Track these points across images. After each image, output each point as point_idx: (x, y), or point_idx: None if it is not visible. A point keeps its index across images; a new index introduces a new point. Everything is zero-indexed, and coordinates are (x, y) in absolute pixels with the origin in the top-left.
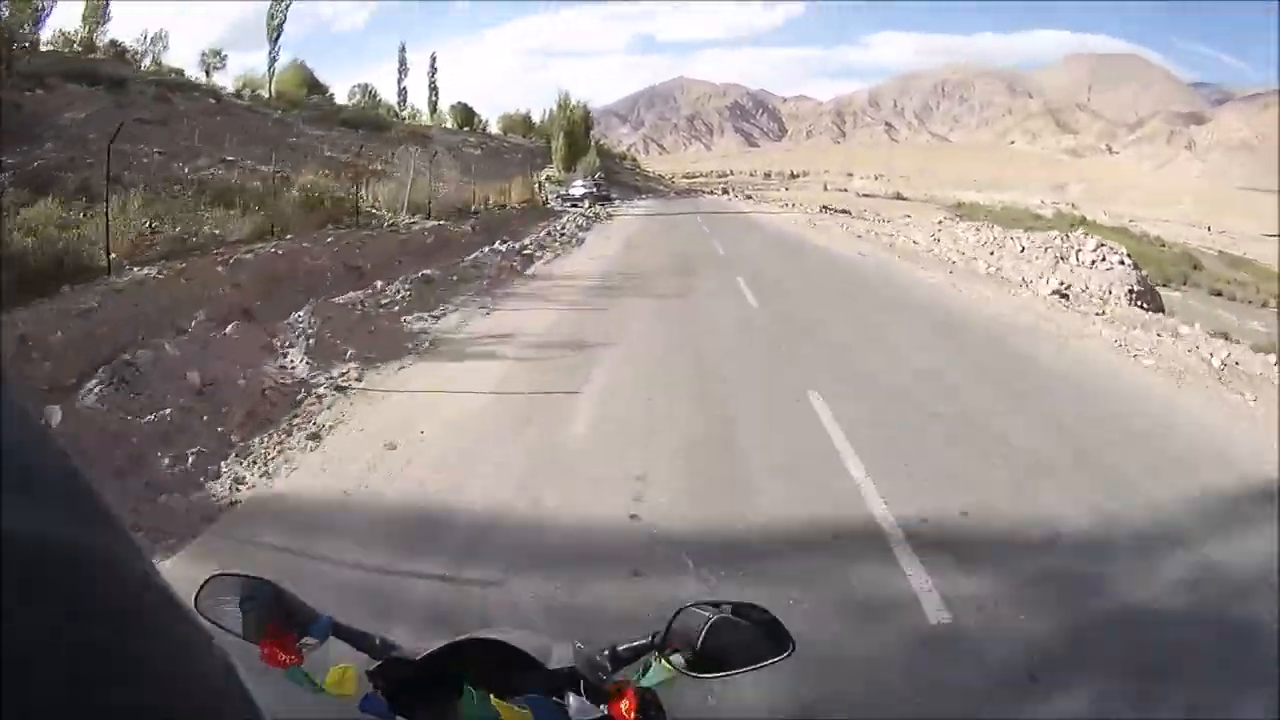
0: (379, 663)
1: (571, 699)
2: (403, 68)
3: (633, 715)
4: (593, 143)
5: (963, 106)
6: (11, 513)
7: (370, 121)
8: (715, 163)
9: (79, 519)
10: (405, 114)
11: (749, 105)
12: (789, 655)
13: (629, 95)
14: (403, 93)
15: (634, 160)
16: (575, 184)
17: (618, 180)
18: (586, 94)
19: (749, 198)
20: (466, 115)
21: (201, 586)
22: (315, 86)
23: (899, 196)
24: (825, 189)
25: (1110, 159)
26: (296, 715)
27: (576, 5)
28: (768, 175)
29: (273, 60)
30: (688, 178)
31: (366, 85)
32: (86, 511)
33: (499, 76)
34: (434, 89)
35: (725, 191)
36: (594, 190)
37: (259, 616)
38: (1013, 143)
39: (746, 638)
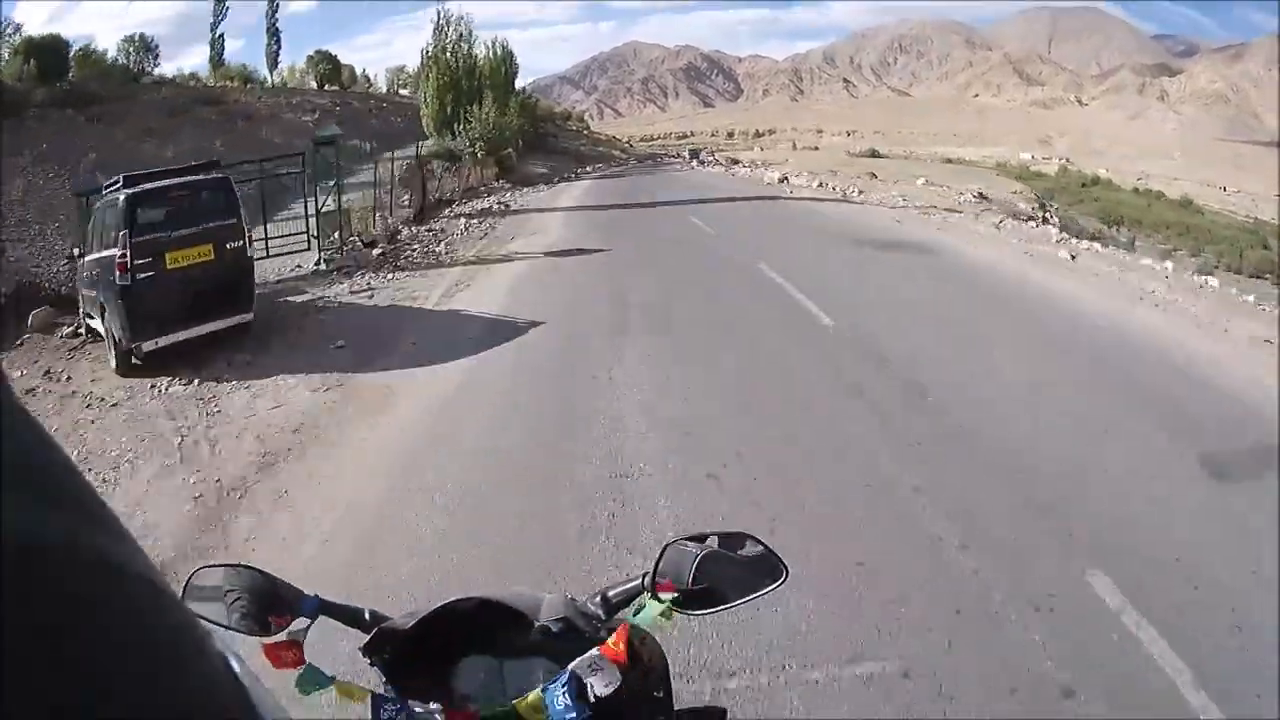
0: (370, 636)
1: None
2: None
3: (621, 646)
4: (516, 96)
5: (920, 61)
6: (11, 513)
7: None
8: (671, 124)
9: (79, 519)
10: (273, 79)
11: (703, 66)
12: (783, 583)
13: (580, 61)
14: (272, 56)
15: (581, 121)
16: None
17: (553, 149)
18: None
19: (736, 164)
20: (331, 72)
21: (188, 579)
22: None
23: (874, 154)
24: (795, 147)
25: (1080, 110)
26: (295, 714)
27: None
28: (730, 135)
29: None
30: (645, 140)
31: (140, 35)
32: (86, 511)
33: None
34: (274, 35)
35: (696, 157)
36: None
37: (248, 605)
38: (976, 96)
39: (737, 569)
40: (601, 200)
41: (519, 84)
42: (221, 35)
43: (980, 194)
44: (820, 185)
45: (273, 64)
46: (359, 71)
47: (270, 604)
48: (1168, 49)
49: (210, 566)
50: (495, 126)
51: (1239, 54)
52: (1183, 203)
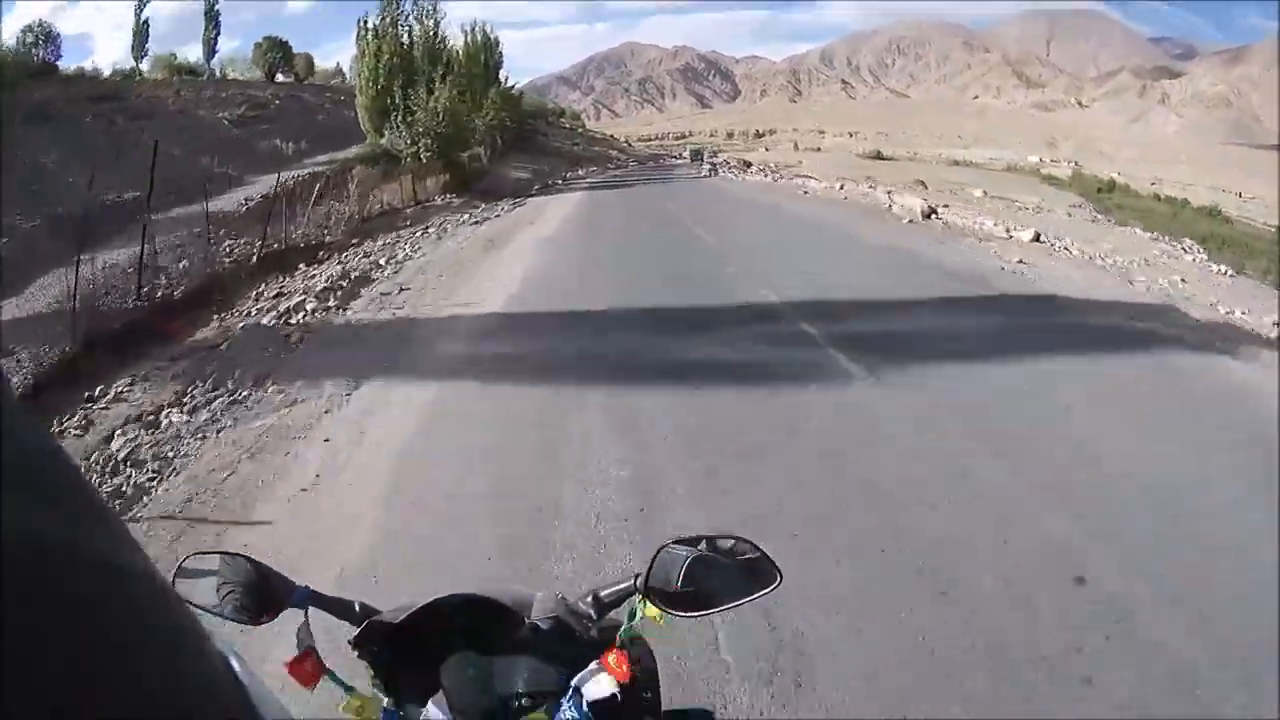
0: (359, 629)
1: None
2: (211, 15)
3: (625, 667)
4: (497, 87)
5: (918, 63)
6: (11, 513)
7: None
8: (668, 125)
9: (79, 519)
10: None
11: (700, 67)
12: (776, 588)
13: (578, 62)
14: (209, 45)
15: (575, 119)
16: None
17: (542, 149)
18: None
19: (748, 167)
20: (281, 61)
21: (179, 563)
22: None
23: (879, 156)
24: (796, 148)
25: (1081, 113)
26: (295, 713)
27: None
28: (730, 135)
29: None
30: (643, 140)
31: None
32: (86, 511)
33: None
34: (213, 20)
35: (699, 158)
36: None
37: (238, 592)
38: (976, 97)
39: (729, 572)
40: (592, 239)
41: (516, 82)
42: (146, 21)
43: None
44: (889, 208)
45: (209, 52)
46: (335, 65)
47: (260, 593)
48: (1165, 51)
49: (202, 553)
50: (449, 119)
51: (1238, 56)
52: (1210, 211)
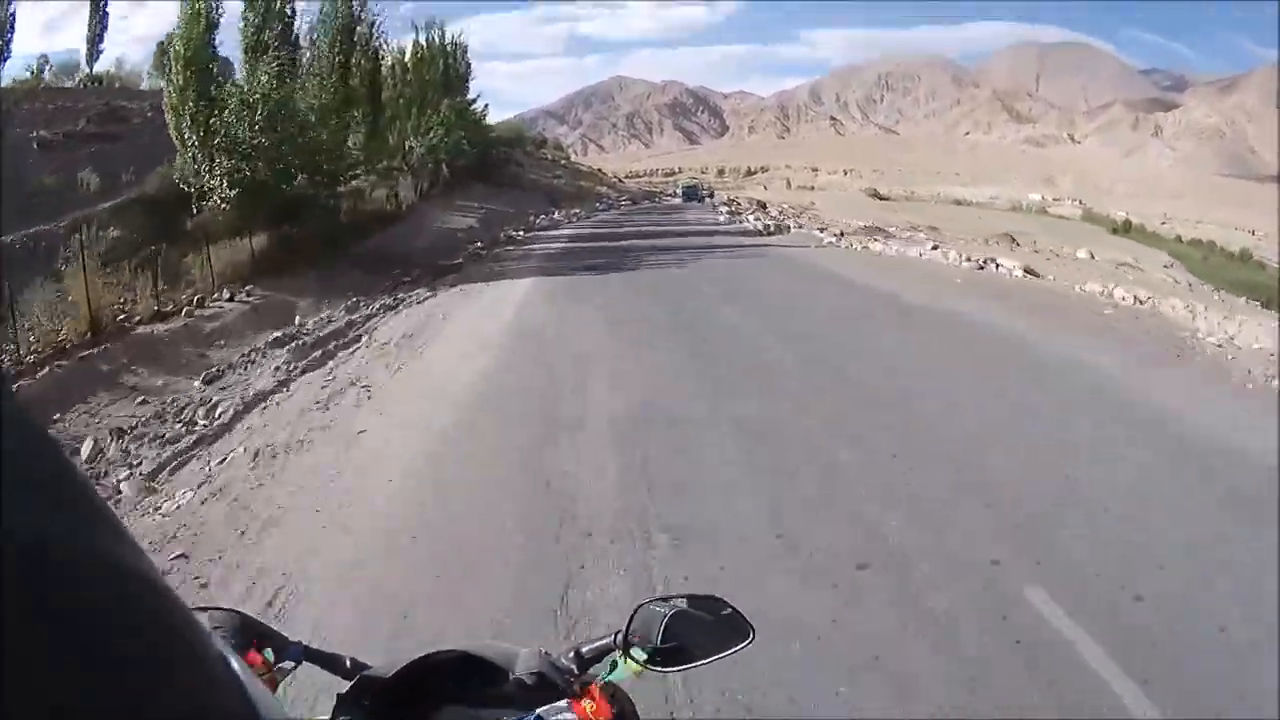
0: (350, 684)
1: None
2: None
3: (592, 712)
4: (455, 99)
5: (907, 99)
6: (11, 513)
7: None
8: (655, 161)
9: (79, 519)
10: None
11: (689, 102)
12: (749, 644)
13: (565, 95)
14: (92, 44)
15: (559, 150)
16: None
17: (513, 182)
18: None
19: (762, 207)
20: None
21: None
22: None
23: (877, 195)
24: (789, 186)
25: (1074, 148)
26: (294, 713)
27: (509, 7)
28: (721, 173)
29: None
30: (631, 177)
31: None
32: (86, 511)
33: None
34: (98, 18)
35: (694, 197)
36: None
37: (231, 646)
38: (967, 133)
39: (706, 629)
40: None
41: (486, 103)
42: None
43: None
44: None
45: (92, 54)
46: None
47: (253, 646)
48: (1155, 83)
49: (197, 609)
50: (285, 124)
51: (1231, 86)
52: (1242, 256)
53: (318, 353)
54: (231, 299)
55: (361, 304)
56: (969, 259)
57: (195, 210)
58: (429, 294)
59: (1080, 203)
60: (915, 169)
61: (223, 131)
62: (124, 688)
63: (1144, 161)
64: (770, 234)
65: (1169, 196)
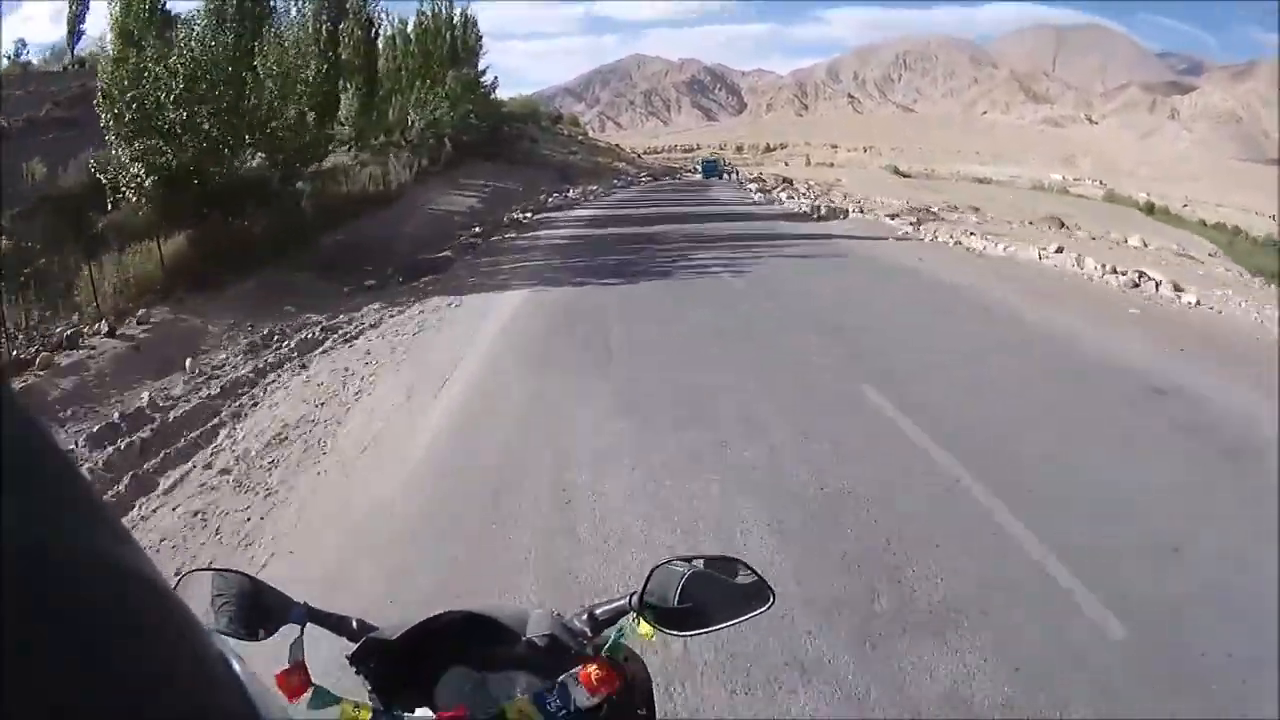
0: (357, 645)
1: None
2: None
3: (596, 681)
4: (461, 72)
5: (925, 78)
6: (11, 513)
7: None
8: (673, 138)
9: (79, 519)
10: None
11: (707, 80)
12: (770, 607)
13: (583, 74)
14: (72, 24)
15: (575, 125)
16: None
17: (526, 159)
18: (538, 73)
19: (788, 184)
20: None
21: (176, 581)
22: None
23: (898, 172)
24: (809, 163)
25: (1093, 129)
26: (293, 714)
27: None
28: (739, 149)
29: None
30: (650, 153)
31: None
32: (86, 511)
33: None
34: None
35: (715, 173)
36: None
37: (236, 609)
38: (984, 113)
39: (724, 592)
40: None
41: (496, 76)
42: None
43: None
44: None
45: (73, 35)
46: None
47: (258, 609)
48: (1171, 66)
49: (199, 570)
50: (215, 110)
51: (1245, 72)
52: (1266, 242)
53: (128, 477)
54: (112, 333)
55: (276, 339)
56: (1114, 270)
57: (110, 206)
58: (371, 325)
59: (1101, 183)
60: (934, 147)
61: (138, 102)
62: (124, 688)
63: (1161, 144)
64: (822, 218)
65: (1184, 178)
